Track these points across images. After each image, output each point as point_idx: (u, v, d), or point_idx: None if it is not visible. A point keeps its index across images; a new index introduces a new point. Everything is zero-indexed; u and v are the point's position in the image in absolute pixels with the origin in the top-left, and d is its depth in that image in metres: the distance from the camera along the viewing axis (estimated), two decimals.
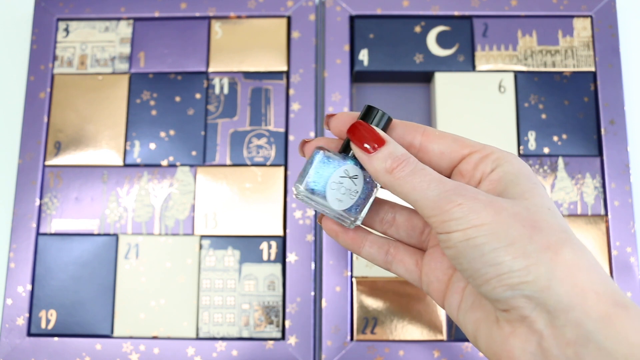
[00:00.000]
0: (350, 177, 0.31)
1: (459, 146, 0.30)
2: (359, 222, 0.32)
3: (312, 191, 0.31)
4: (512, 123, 0.51)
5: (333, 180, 0.31)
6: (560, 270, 0.25)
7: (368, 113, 0.31)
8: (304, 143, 0.33)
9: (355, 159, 0.31)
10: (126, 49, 0.54)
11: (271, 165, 0.51)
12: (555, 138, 0.51)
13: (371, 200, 0.31)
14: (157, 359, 0.48)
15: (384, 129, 0.31)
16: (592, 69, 0.52)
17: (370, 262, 0.36)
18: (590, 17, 0.53)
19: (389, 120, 0.31)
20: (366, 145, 0.29)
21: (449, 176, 0.31)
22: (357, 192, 0.31)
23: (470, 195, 0.27)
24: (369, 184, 0.31)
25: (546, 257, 0.25)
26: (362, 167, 0.31)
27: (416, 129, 0.31)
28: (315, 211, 0.50)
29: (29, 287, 0.49)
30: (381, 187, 0.31)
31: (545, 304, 0.25)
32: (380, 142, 0.29)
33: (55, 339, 0.48)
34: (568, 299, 0.25)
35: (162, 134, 0.52)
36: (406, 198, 0.29)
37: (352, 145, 0.30)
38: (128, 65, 0.54)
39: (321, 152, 0.31)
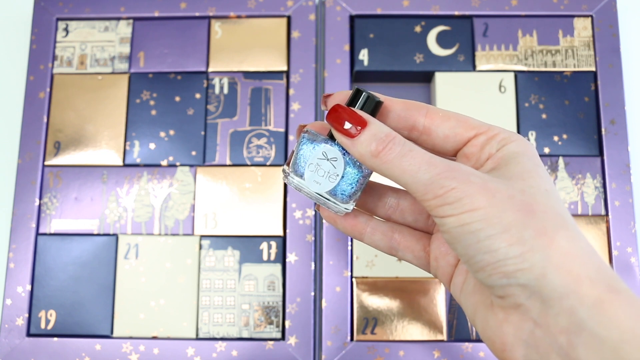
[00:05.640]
0: (328, 160, 0.30)
1: (464, 129, 0.30)
2: (349, 209, 0.31)
3: (296, 173, 0.30)
4: (513, 123, 0.51)
5: (311, 162, 0.30)
6: (555, 257, 0.25)
7: (355, 96, 0.29)
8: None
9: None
10: (126, 49, 0.54)
11: (271, 165, 0.51)
12: (556, 138, 0.51)
13: (362, 186, 0.30)
14: (156, 359, 0.48)
15: (373, 113, 0.29)
16: (593, 68, 0.52)
17: (374, 249, 0.35)
18: (591, 16, 0.53)
19: (378, 103, 0.29)
20: (347, 129, 0.28)
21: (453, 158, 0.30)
22: (338, 175, 0.30)
23: (463, 178, 0.26)
24: (359, 169, 0.30)
25: (541, 243, 0.25)
26: (347, 154, 0.30)
27: (418, 110, 0.30)
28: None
29: (29, 287, 0.49)
30: (370, 170, 0.30)
31: (540, 292, 0.25)
32: (362, 124, 0.28)
33: (55, 339, 0.48)
34: (562, 286, 0.24)
35: (162, 134, 0.52)
36: (396, 181, 0.28)
37: (333, 131, 0.29)
38: (128, 65, 0.53)
39: (306, 134, 0.30)
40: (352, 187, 0.30)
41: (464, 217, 0.26)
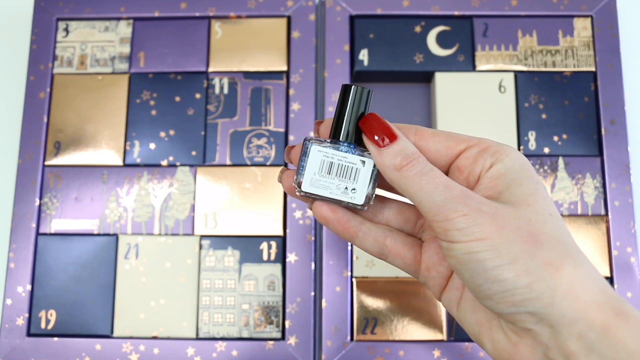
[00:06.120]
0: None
1: (454, 142, 0.30)
2: (371, 202, 0.31)
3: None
4: (512, 123, 0.51)
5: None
6: (563, 285, 0.26)
7: (346, 93, 0.30)
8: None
9: (348, 143, 0.31)
10: (126, 49, 0.54)
11: (271, 165, 0.51)
12: (556, 138, 0.51)
13: (374, 178, 0.31)
14: (157, 359, 0.48)
15: (366, 104, 0.30)
16: (593, 68, 0.52)
17: (364, 252, 0.35)
18: (591, 17, 0.53)
19: (369, 92, 0.30)
20: (377, 138, 0.29)
21: (446, 174, 0.31)
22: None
23: (475, 206, 0.27)
24: (369, 167, 0.31)
25: (548, 273, 0.26)
26: (356, 152, 0.31)
27: (408, 129, 0.31)
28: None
29: (29, 287, 0.49)
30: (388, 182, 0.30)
31: (548, 319, 0.26)
32: (392, 137, 0.29)
33: (55, 339, 0.48)
34: (571, 313, 0.25)
35: (162, 134, 0.52)
36: (411, 197, 0.28)
37: (364, 137, 0.30)
38: (128, 65, 0.53)
39: (313, 142, 0.31)
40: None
41: (472, 246, 0.26)
